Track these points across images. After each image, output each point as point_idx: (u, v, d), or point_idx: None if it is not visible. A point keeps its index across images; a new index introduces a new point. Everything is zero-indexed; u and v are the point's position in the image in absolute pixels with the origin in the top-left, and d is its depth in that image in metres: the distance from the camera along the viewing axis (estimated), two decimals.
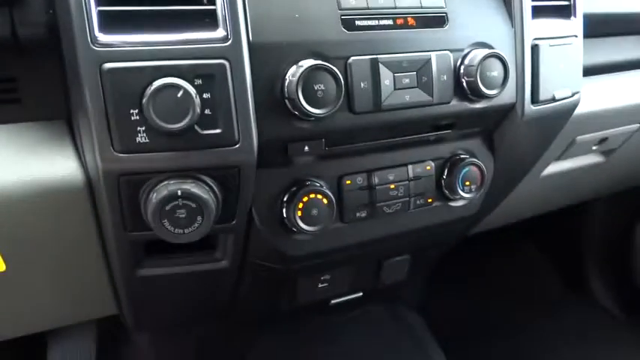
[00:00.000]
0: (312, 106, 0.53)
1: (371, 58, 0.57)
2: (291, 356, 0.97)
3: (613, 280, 1.62)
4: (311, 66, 0.52)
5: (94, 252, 0.63)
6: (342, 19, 0.56)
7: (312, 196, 0.59)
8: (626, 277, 1.61)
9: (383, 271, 0.80)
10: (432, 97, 0.61)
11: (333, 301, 0.84)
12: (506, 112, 0.68)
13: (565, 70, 0.72)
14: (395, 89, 0.59)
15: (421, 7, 0.61)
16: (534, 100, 0.69)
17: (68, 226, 0.58)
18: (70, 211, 0.56)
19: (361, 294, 0.85)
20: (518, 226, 1.63)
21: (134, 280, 0.63)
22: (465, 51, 0.63)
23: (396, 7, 0.59)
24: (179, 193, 0.50)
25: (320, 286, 0.77)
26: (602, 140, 0.99)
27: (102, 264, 0.65)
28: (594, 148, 1.01)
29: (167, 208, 0.50)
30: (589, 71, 0.93)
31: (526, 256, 1.71)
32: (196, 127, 0.49)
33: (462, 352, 1.21)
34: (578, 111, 0.81)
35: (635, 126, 1.01)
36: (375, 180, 0.64)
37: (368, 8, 0.57)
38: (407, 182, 0.67)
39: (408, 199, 0.67)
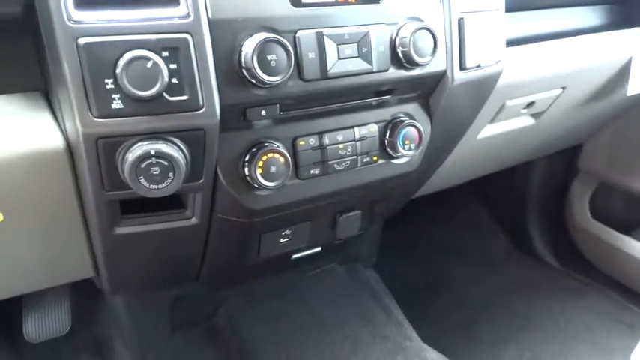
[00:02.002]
0: (267, 75, 0.60)
1: (316, 32, 0.65)
2: (260, 312, 1.06)
3: (551, 235, 1.78)
4: (264, 39, 0.59)
5: (73, 214, 0.69)
6: None
7: (270, 155, 0.67)
8: (562, 231, 1.77)
9: (338, 226, 0.90)
10: (372, 65, 0.69)
11: (294, 256, 0.93)
12: (439, 78, 0.78)
13: (489, 40, 0.82)
14: (339, 59, 0.67)
15: None
16: (462, 67, 0.79)
17: (50, 190, 0.64)
18: (51, 175, 0.62)
19: (320, 249, 0.94)
20: (465, 189, 1.76)
21: (111, 238, 0.69)
22: (400, 24, 0.71)
23: None
24: (152, 152, 0.57)
25: (281, 240, 0.85)
26: (530, 104, 1.10)
27: (80, 225, 0.72)
28: (523, 111, 1.12)
29: (142, 166, 0.57)
30: (517, 42, 1.04)
31: (473, 217, 1.85)
32: (165, 94, 0.56)
33: (413, 304, 1.33)
34: (506, 77, 0.92)
35: (558, 90, 1.13)
36: (326, 141, 0.73)
37: None
38: (354, 142, 0.75)
39: (355, 157, 0.76)
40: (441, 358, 1.04)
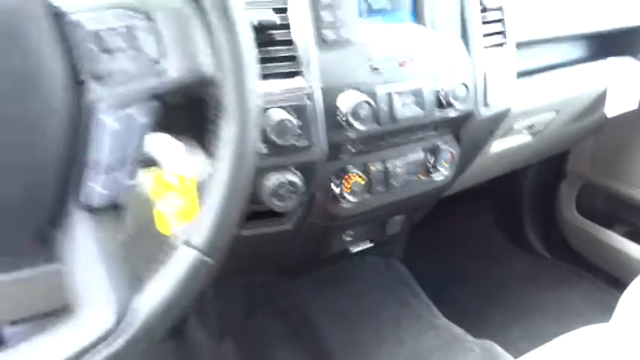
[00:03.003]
0: (358, 123, 0.86)
1: (387, 91, 0.90)
2: (320, 295, 1.31)
3: (543, 230, 2.05)
4: (358, 101, 0.85)
5: None
6: (370, 67, 0.89)
7: (353, 177, 0.93)
8: (553, 227, 2.05)
9: (387, 226, 1.16)
10: (424, 110, 0.95)
11: (353, 250, 1.19)
12: (468, 116, 1.04)
13: (505, 85, 1.08)
14: (402, 107, 0.93)
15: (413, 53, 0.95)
16: (485, 105, 1.06)
17: None
18: None
19: (372, 244, 1.20)
20: (469, 191, 2.02)
21: (237, 239, 0.94)
22: (442, 78, 0.97)
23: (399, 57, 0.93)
24: (284, 180, 0.82)
25: (347, 238, 1.11)
26: (531, 126, 1.38)
27: None
28: (525, 131, 1.40)
29: (277, 190, 0.82)
30: (525, 73, 1.29)
31: (475, 216, 2.12)
32: (294, 141, 0.81)
33: (432, 292, 1.58)
34: (515, 107, 1.18)
35: (553, 114, 1.40)
36: (388, 166, 0.99)
37: (385, 59, 0.91)
38: (407, 166, 1.01)
39: (408, 176, 1.02)
40: (464, 333, 1.31)
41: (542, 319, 1.63)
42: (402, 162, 1.00)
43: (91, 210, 0.47)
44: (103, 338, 0.45)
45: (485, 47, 1.04)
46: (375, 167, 0.97)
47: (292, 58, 0.81)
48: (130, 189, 0.49)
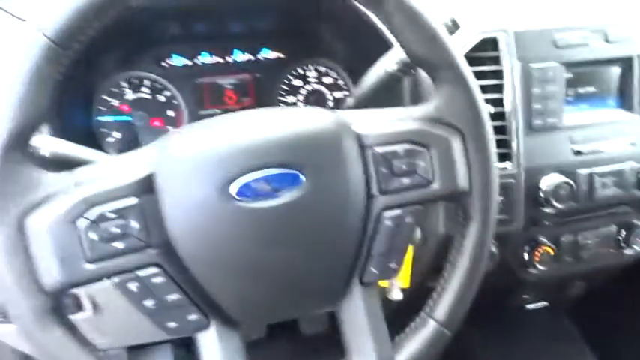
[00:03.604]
0: (557, 203, 0.93)
1: (590, 172, 0.96)
2: (483, 338, 1.39)
3: None
4: (558, 181, 0.92)
5: None
6: (573, 150, 0.96)
7: (543, 248, 1.00)
8: None
9: (568, 290, 1.20)
10: (623, 191, 0.98)
11: (530, 308, 1.25)
12: None
13: None
14: (601, 187, 0.97)
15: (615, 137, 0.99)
16: None
17: None
18: None
19: (547, 304, 1.25)
20: None
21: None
22: None
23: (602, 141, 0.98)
24: None
25: (525, 297, 1.18)
26: None
27: None
28: None
29: None
30: None
31: None
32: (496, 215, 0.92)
33: (601, 350, 1.54)
34: None
35: None
36: (579, 238, 1.04)
37: (588, 143, 0.97)
38: (598, 239, 1.05)
39: (598, 249, 1.06)
40: None
41: None
42: (593, 235, 1.05)
43: (366, 284, 0.63)
44: None
45: None
46: (565, 239, 1.03)
47: (503, 143, 0.92)
48: (397, 272, 0.64)
